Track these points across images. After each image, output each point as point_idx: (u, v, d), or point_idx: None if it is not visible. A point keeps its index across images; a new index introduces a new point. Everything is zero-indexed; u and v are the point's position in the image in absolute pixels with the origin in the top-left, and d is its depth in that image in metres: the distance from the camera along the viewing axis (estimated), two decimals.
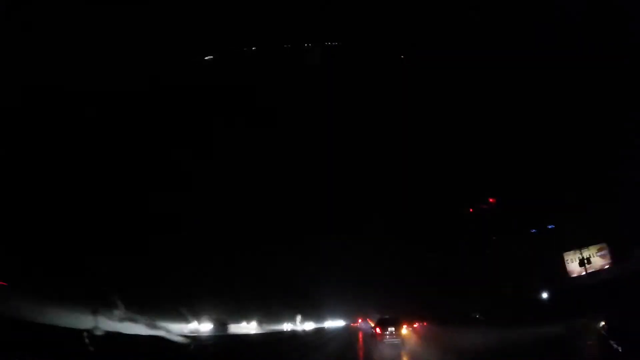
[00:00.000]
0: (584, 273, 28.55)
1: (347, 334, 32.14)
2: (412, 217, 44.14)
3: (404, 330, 26.81)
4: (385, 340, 24.99)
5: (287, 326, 30.07)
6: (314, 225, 40.17)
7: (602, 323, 12.86)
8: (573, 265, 29.68)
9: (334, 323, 37.17)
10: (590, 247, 28.42)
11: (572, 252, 29.89)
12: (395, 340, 24.83)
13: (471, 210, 41.92)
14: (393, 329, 25.67)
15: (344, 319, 37.51)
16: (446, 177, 41.59)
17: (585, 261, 28.36)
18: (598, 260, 28.03)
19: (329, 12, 28.02)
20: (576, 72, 27.06)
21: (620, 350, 10.91)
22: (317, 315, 34.14)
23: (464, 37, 29.50)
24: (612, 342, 11.30)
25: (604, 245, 27.99)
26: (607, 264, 27.63)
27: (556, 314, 22.67)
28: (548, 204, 33.31)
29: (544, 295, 31.60)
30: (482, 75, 32.25)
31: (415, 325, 31.25)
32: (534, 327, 19.14)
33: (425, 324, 33.77)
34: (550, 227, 34.44)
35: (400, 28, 29.48)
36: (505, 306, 31.31)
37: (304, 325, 30.89)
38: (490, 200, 40.59)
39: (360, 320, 36.42)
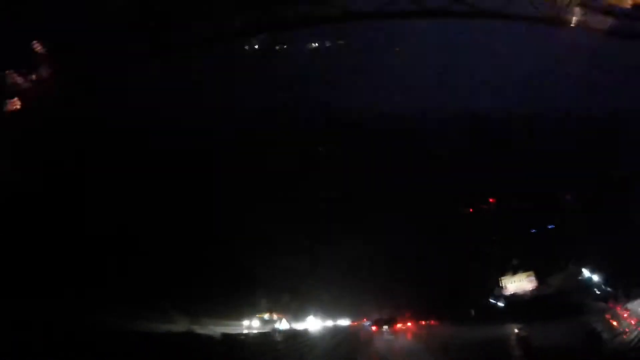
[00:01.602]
0: (512, 292, 32.92)
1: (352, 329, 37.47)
2: (412, 219, 37.53)
3: (397, 328, 29.48)
4: (381, 336, 28.11)
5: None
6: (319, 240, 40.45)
7: (516, 330, 16.86)
8: (509, 285, 33.52)
9: (342, 322, 40.57)
10: (522, 273, 33.11)
11: (507, 276, 33.74)
12: (390, 336, 27.95)
13: (471, 210, 39.72)
14: (388, 327, 28.66)
15: (349, 319, 40.73)
16: (446, 176, 37.38)
17: (502, 287, 33.38)
18: (527, 283, 32.89)
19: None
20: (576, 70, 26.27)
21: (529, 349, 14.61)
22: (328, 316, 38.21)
23: (465, 36, 28.75)
24: (521, 343, 15.23)
25: (531, 272, 32.62)
26: (533, 287, 32.39)
27: (499, 320, 27.38)
28: (548, 203, 32.38)
29: (500, 304, 34.06)
30: (482, 75, 31.56)
31: (408, 324, 32.89)
32: (486, 327, 24.35)
33: (419, 322, 34.30)
34: (550, 227, 33.30)
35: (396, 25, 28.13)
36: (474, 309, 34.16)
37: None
38: (490, 200, 38.74)
39: (365, 320, 39.36)
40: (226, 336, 18.62)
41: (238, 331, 22.48)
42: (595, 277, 25.23)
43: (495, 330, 22.08)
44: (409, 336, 29.23)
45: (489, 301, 34.25)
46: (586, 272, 26.42)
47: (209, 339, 17.46)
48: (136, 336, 14.48)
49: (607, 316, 11.85)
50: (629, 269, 21.49)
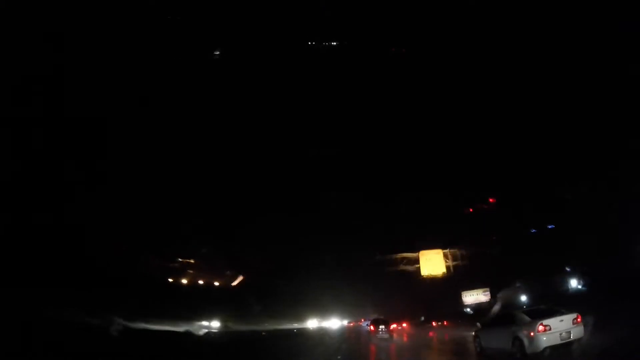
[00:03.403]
0: (469, 303, 39.57)
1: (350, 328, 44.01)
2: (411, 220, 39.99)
3: (392, 327, 30.86)
4: (377, 335, 29.23)
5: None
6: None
7: (473, 332, 16.83)
8: (465, 298, 41.05)
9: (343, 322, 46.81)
10: (479, 289, 40.23)
11: (467, 291, 40.73)
12: (385, 335, 28.86)
13: (471, 210, 40.16)
14: (383, 326, 29.48)
15: (349, 319, 47.11)
16: (446, 176, 37.64)
17: (462, 300, 39.53)
18: (482, 297, 40.04)
19: (321, 10, 25.64)
20: (577, 70, 24.30)
21: (479, 348, 15.35)
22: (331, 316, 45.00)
23: (464, 36, 26.30)
24: (477, 341, 15.64)
25: (487, 289, 39.85)
26: (487, 299, 39.42)
27: (462, 323, 33.65)
28: (548, 203, 30.87)
29: (467, 310, 40.76)
30: (483, 76, 29.43)
31: (404, 325, 35.22)
32: (456, 329, 29.40)
33: (410, 323, 36.67)
34: (550, 227, 32.34)
35: (396, 24, 26.17)
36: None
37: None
38: (490, 200, 38.43)
39: (362, 320, 42.40)
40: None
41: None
42: (524, 296, 30.56)
43: (464, 330, 25.10)
44: (398, 334, 31.40)
45: (461, 309, 39.90)
46: (519, 290, 31.55)
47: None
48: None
49: (527, 327, 12.34)
50: (551, 292, 27.93)
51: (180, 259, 32.22)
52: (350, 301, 39.42)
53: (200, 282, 33.98)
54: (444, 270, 33.99)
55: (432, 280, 35.13)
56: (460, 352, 17.40)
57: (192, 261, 32.90)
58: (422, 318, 38.79)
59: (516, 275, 32.48)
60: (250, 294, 35.62)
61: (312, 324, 38.29)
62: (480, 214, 38.02)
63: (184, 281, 32.58)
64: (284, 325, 35.97)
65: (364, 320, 41.14)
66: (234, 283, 35.27)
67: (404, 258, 33.50)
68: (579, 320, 12.48)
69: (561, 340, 12.03)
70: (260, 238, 34.45)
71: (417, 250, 37.50)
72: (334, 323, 39.64)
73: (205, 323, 30.25)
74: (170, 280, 31.40)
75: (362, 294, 38.72)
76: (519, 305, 28.66)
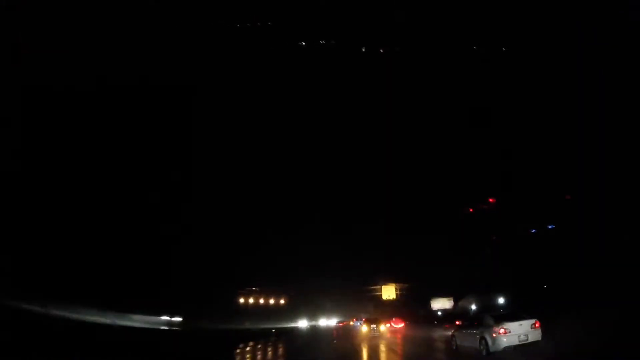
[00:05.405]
0: (436, 308, 43.05)
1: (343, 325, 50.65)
2: (411, 221, 39.63)
3: (383, 326, 30.94)
4: (369, 333, 29.48)
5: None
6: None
7: (451, 333, 16.37)
8: (433, 305, 43.84)
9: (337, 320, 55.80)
10: (445, 297, 43.67)
11: (435, 299, 43.75)
12: (376, 333, 29.09)
13: (471, 210, 37.32)
14: (375, 325, 29.63)
15: (342, 318, 54.70)
16: (446, 177, 35.62)
17: (431, 306, 42.48)
18: (447, 304, 43.42)
19: (310, 11, 24.02)
20: (575, 71, 22.58)
21: (455, 346, 15.49)
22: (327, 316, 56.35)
23: (463, 35, 24.45)
24: (454, 340, 15.68)
25: (451, 297, 42.96)
26: (451, 306, 42.64)
27: (436, 324, 34.65)
28: (548, 203, 28.72)
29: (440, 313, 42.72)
30: (483, 76, 27.26)
31: (398, 326, 35.81)
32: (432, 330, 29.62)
33: (403, 323, 37.32)
34: (550, 227, 29.78)
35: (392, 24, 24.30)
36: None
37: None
38: (490, 200, 35.64)
39: (354, 320, 46.08)
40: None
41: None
42: (474, 305, 34.59)
43: (442, 331, 26.10)
44: (392, 333, 31.45)
45: (433, 312, 42.72)
46: (471, 301, 35.97)
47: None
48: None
49: (491, 329, 13.10)
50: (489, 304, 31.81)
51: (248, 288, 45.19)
52: (343, 307, 54.18)
53: (261, 301, 47.27)
54: (394, 296, 51.86)
55: (389, 300, 52.23)
56: (439, 349, 18.19)
57: (255, 288, 45.93)
58: (393, 319, 42.95)
59: (469, 289, 37.02)
60: (293, 307, 51.45)
61: (322, 322, 54.08)
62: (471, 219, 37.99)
63: (251, 301, 46.08)
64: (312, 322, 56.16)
65: (355, 320, 45.03)
66: (282, 302, 49.35)
67: (374, 288, 53.80)
68: (537, 325, 13.21)
69: (519, 341, 12.75)
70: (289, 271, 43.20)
71: (380, 283, 55.39)
72: (332, 321, 54.38)
73: (300, 322, 50.46)
74: (242, 300, 44.49)
75: (352, 303, 53.16)
76: (471, 311, 32.45)
